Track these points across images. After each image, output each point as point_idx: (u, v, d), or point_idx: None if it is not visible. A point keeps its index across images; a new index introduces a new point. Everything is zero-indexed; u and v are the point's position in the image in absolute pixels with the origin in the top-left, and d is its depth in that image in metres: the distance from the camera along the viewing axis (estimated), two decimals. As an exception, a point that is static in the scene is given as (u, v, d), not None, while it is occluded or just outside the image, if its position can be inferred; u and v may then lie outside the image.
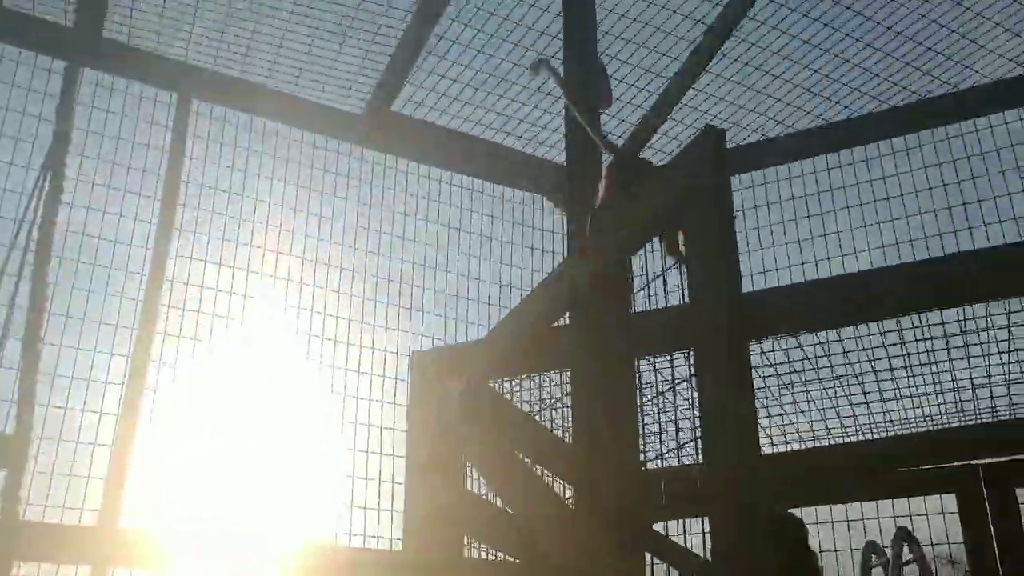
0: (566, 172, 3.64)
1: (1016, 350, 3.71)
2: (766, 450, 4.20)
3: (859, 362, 3.86)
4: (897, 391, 4.01)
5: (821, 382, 3.97)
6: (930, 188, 4.18)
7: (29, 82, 3.60)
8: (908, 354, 3.74)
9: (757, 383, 4.10)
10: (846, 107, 4.34)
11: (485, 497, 2.92)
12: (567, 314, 2.83)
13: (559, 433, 3.31)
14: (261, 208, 3.99)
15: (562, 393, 3.42)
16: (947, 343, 3.64)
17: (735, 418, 1.87)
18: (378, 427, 4.01)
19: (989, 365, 3.79)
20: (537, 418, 3.45)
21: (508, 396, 3.35)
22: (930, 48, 4.05)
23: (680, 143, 4.50)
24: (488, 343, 2.97)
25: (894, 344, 3.73)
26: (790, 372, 3.97)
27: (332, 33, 3.95)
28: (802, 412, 4.19)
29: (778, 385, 4.20)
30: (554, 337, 3.03)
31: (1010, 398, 4.17)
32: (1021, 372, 4.07)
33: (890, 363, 3.79)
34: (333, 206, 4.18)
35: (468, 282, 4.49)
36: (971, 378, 3.87)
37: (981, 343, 3.71)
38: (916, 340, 3.67)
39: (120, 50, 3.80)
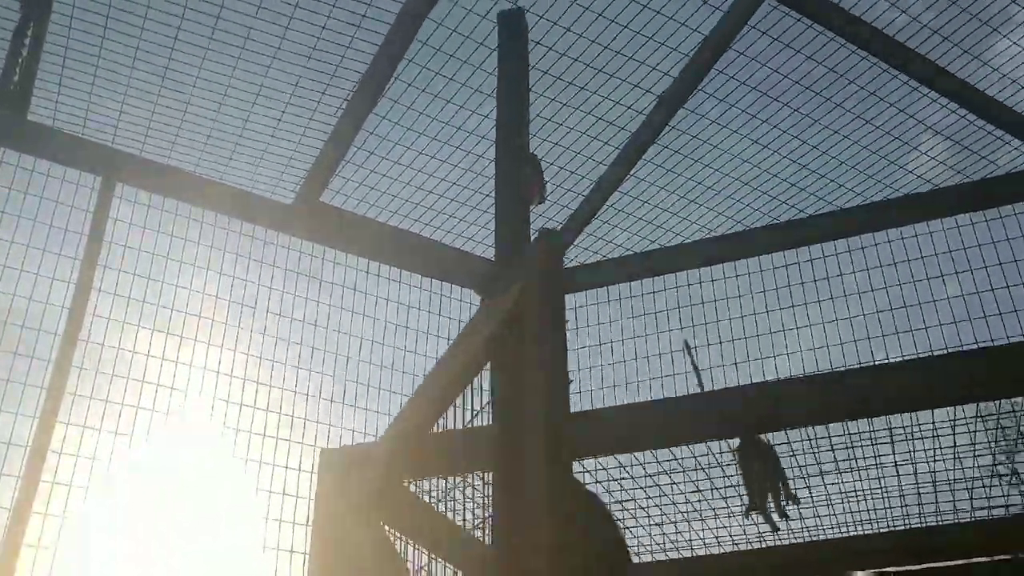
0: (495, 267, 3.69)
1: (915, 462, 3.79)
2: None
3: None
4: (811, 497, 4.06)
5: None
6: (842, 296, 4.31)
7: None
8: (818, 463, 3.80)
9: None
10: (767, 214, 4.48)
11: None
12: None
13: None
14: (181, 296, 3.94)
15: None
16: (848, 454, 3.71)
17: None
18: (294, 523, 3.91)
19: (882, 477, 3.86)
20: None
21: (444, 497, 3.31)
22: (866, 147, 4.20)
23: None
24: (398, 440, 2.93)
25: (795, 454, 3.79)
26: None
27: (264, 125, 3.99)
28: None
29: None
30: (473, 437, 3.02)
31: (920, 507, 4.25)
32: (920, 482, 4.16)
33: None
34: (257, 295, 4.15)
35: (402, 376, 4.46)
36: (883, 487, 3.92)
37: (874, 456, 3.80)
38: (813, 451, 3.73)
39: (44, 133, 3.78)
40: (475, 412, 3.16)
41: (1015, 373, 2.78)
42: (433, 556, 2.75)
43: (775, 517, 4.03)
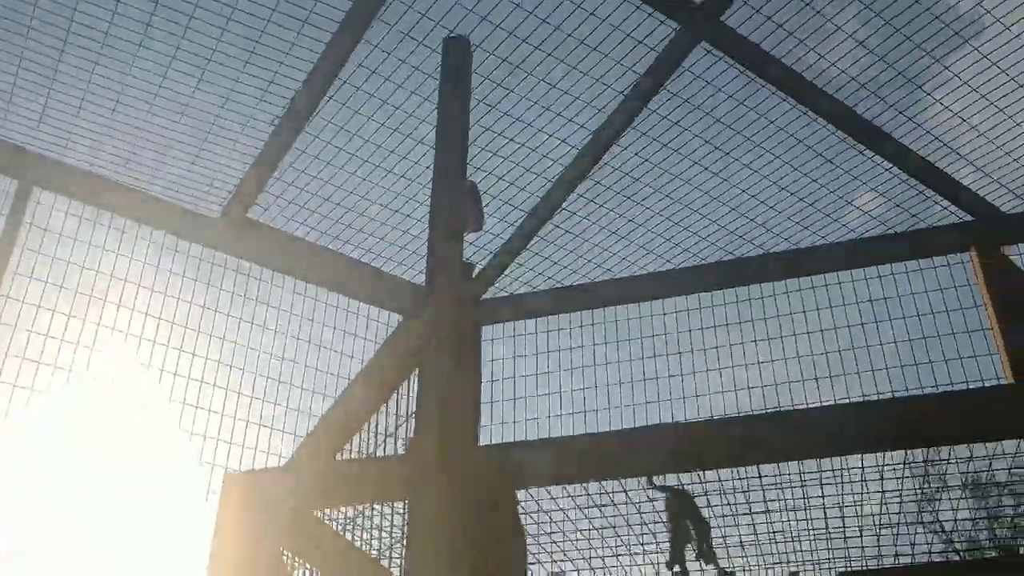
0: (422, 292, 3.65)
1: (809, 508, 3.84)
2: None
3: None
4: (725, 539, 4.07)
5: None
6: (777, 338, 4.36)
7: None
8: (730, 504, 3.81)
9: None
10: (694, 254, 4.52)
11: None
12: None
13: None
14: (95, 306, 3.83)
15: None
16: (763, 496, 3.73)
17: None
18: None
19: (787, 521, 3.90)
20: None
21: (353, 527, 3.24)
22: (795, 194, 4.26)
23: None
24: (304, 466, 2.87)
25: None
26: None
27: (192, 136, 3.91)
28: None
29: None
30: (384, 468, 2.97)
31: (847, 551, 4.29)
32: (848, 526, 4.19)
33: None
34: (176, 309, 4.05)
35: (323, 399, 4.38)
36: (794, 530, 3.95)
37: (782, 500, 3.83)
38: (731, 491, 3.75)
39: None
40: (386, 436, 3.11)
41: (938, 423, 2.84)
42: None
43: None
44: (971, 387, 3.87)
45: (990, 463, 4.07)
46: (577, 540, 4.39)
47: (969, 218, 4.21)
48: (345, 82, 3.77)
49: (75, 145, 3.84)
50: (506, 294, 4.68)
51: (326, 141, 3.95)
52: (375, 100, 3.84)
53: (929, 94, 3.85)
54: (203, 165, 3.99)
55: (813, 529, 4.37)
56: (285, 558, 2.76)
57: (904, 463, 4.07)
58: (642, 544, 4.25)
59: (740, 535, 4.43)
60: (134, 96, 3.70)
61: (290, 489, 2.77)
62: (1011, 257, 4.17)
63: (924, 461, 4.17)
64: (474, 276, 4.56)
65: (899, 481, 4.18)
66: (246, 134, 3.89)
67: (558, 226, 4.38)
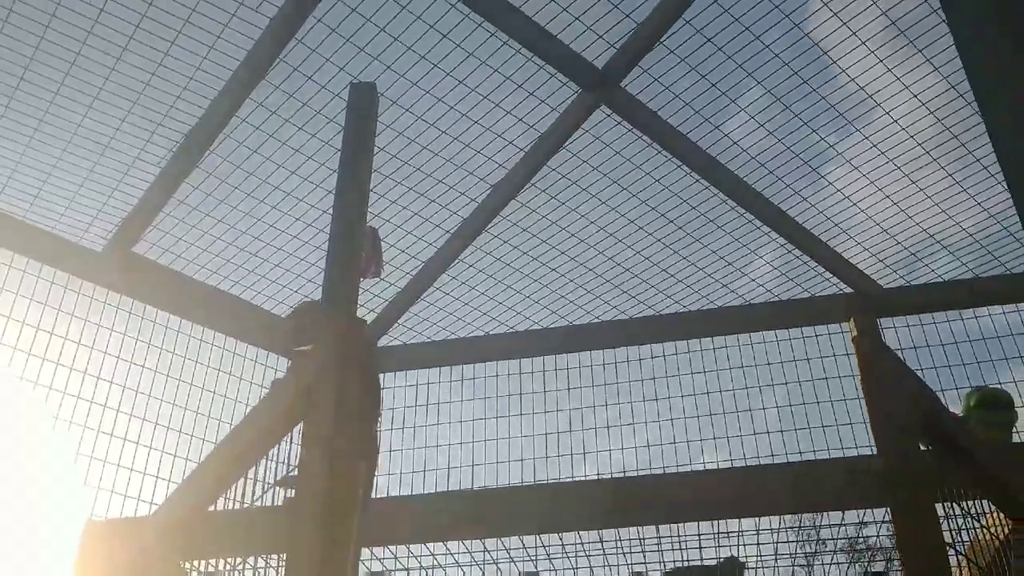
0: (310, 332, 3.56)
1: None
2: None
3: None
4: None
5: None
6: (665, 398, 4.43)
7: None
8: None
9: None
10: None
11: None
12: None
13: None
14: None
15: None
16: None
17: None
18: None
19: None
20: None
21: None
22: (693, 264, 4.36)
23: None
24: (171, 517, 2.73)
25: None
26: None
27: (78, 166, 3.77)
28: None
29: None
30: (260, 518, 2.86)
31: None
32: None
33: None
34: (48, 343, 3.85)
35: (202, 445, 4.20)
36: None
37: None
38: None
39: None
40: (265, 489, 3.01)
41: (815, 488, 2.91)
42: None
43: None
44: (846, 455, 4.01)
45: (860, 529, 4.17)
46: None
47: (850, 291, 4.39)
48: (244, 120, 3.71)
49: (-51, 168, 3.65)
50: (399, 343, 4.64)
51: (220, 179, 3.86)
52: (274, 141, 3.78)
53: (816, 169, 4.01)
54: (88, 196, 3.84)
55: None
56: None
57: (780, 527, 4.14)
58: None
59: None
60: (15, 120, 3.54)
61: (153, 538, 2.63)
62: (886, 329, 4.37)
63: (813, 526, 4.26)
64: (368, 323, 4.50)
65: (787, 545, 4.26)
66: (137, 167, 3.77)
67: (454, 277, 4.37)
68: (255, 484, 3.29)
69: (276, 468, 3.46)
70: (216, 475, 2.75)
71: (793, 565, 4.50)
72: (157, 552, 2.65)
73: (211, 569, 3.12)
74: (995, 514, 2.78)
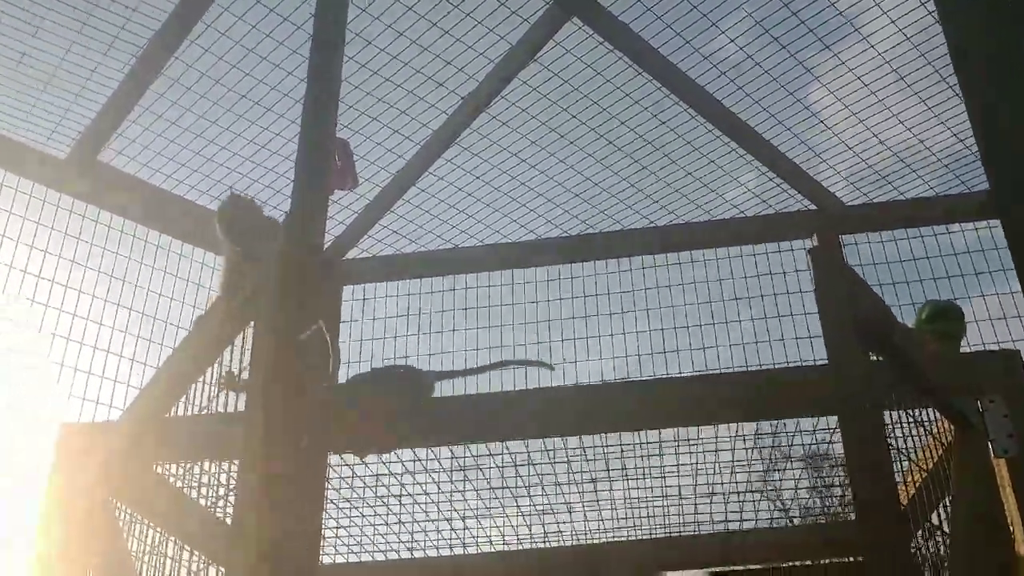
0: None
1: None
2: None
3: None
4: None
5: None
6: (631, 311, 4.52)
7: None
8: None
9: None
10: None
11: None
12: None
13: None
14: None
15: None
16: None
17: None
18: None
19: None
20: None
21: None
22: (662, 180, 4.38)
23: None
24: (140, 421, 2.80)
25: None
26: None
27: (38, 70, 3.69)
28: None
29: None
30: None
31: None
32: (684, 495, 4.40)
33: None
34: (15, 251, 3.84)
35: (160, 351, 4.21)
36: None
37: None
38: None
39: None
40: (216, 392, 3.05)
41: (784, 397, 3.01)
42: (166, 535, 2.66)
43: None
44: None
45: (829, 437, 4.32)
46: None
47: (814, 207, 4.45)
48: (210, 26, 3.64)
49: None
50: (368, 255, 4.66)
51: (186, 87, 3.80)
52: (240, 48, 3.72)
53: (792, 93, 4.01)
54: (50, 101, 3.78)
55: (667, 496, 4.54)
56: (118, 510, 2.69)
57: (736, 435, 4.28)
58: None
59: (598, 499, 4.56)
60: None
61: (126, 441, 2.69)
62: (848, 246, 4.45)
63: (771, 434, 4.40)
64: (337, 237, 4.51)
65: (747, 452, 4.40)
66: (99, 71, 3.71)
67: (424, 190, 4.38)
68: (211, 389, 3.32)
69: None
70: (177, 379, 2.80)
71: (763, 472, 4.66)
72: (126, 455, 2.72)
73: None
74: (941, 422, 2.91)
